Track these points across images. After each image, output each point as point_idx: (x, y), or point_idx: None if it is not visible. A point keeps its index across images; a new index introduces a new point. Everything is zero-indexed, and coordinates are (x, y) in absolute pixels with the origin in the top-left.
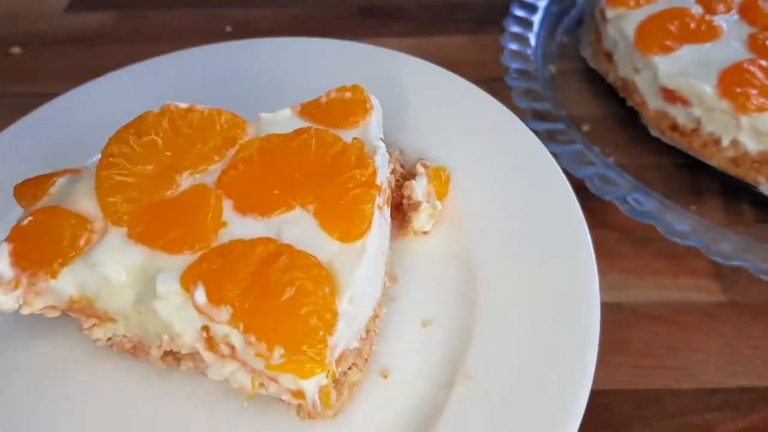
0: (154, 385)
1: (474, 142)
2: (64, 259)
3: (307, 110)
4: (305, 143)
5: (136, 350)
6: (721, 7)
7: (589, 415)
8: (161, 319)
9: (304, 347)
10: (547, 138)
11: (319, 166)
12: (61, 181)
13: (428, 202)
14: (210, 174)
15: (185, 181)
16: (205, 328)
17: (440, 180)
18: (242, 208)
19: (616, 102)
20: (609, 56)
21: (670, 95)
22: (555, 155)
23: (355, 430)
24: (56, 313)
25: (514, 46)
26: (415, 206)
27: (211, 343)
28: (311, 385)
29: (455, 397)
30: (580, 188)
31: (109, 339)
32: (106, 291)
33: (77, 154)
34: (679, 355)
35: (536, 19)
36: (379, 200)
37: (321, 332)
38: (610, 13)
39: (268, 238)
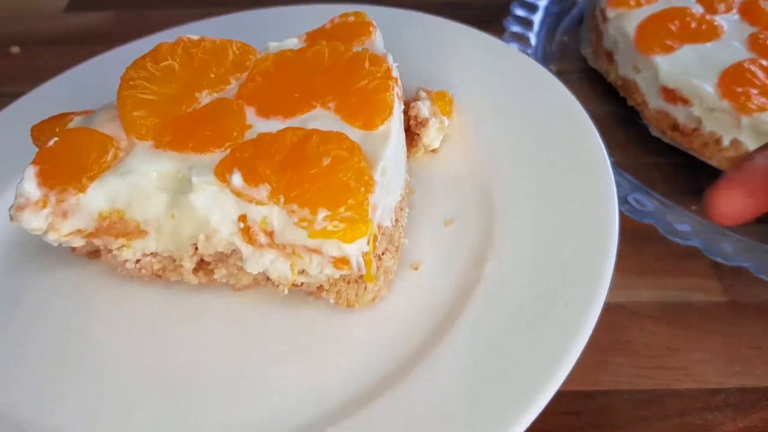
0: (185, 308)
1: (473, 70)
2: (92, 174)
3: (313, 37)
4: (318, 53)
5: (165, 271)
6: (721, 7)
7: (589, 416)
8: (197, 215)
9: (347, 202)
10: None
11: (334, 70)
12: (78, 118)
13: (435, 118)
14: (227, 92)
15: (204, 99)
16: (242, 218)
17: (444, 101)
18: (265, 112)
19: (616, 101)
20: (609, 56)
21: (671, 95)
22: None
23: (392, 317)
24: (81, 242)
25: (514, 46)
26: (423, 123)
27: (248, 233)
28: (355, 250)
29: (486, 273)
30: None
31: (137, 261)
32: (139, 198)
33: None
34: (679, 355)
35: (537, 18)
36: (397, 90)
37: (362, 189)
38: (611, 13)
39: (297, 127)
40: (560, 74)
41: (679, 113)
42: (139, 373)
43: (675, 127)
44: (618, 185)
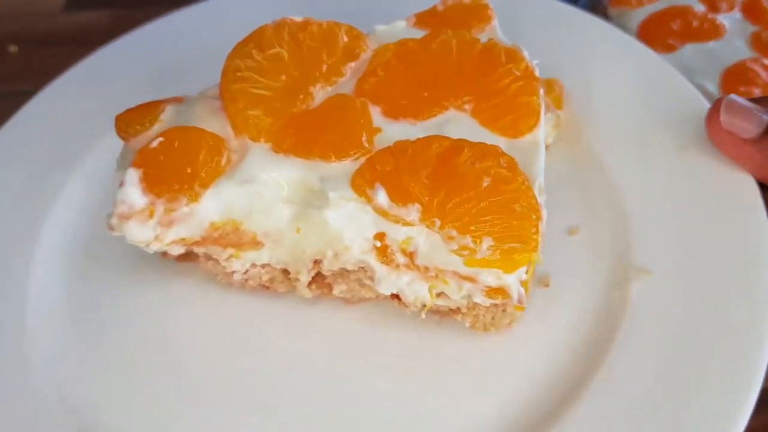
0: (292, 321)
1: (582, 54)
2: (205, 181)
3: (424, 19)
4: (445, 44)
5: (273, 282)
6: (723, 6)
7: None
8: (329, 232)
9: (517, 234)
10: None
11: (465, 65)
12: (170, 108)
13: (550, 112)
14: (341, 86)
15: (318, 93)
16: (380, 236)
17: (555, 91)
18: (393, 114)
19: None
20: None
21: None
22: None
23: (528, 342)
24: (180, 250)
25: None
26: None
27: (385, 252)
28: (515, 279)
29: (634, 294)
30: None
31: (245, 272)
32: (260, 209)
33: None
34: None
35: None
36: (542, 92)
37: (533, 216)
38: (613, 12)
39: (440, 136)
40: None
41: None
42: (241, 394)
43: None
44: None
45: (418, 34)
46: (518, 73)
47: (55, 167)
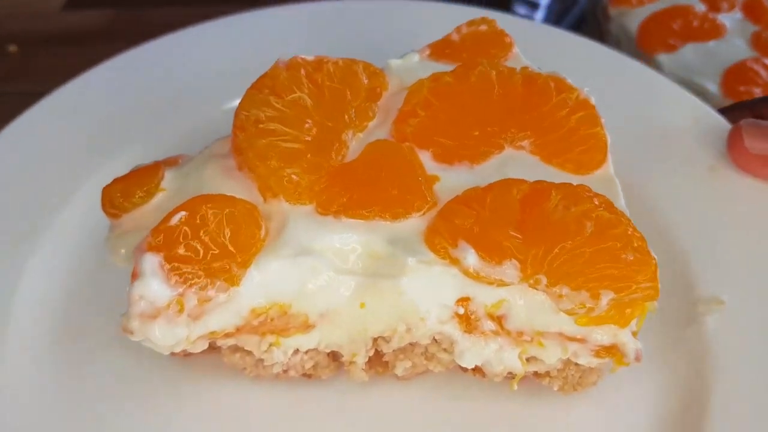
0: (348, 409)
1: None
2: (244, 259)
3: (439, 50)
4: (484, 76)
5: (317, 369)
6: (724, 5)
7: None
8: (403, 303)
9: (637, 280)
10: None
11: (511, 97)
12: (171, 173)
13: None
14: (374, 130)
15: (351, 141)
16: (463, 301)
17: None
18: (446, 158)
19: None
20: None
21: None
22: None
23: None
24: (203, 346)
25: None
26: None
27: (468, 320)
28: (628, 334)
29: (710, 326)
30: None
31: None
32: (315, 286)
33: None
34: None
35: (538, 17)
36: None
37: (653, 261)
38: (613, 11)
39: (516, 179)
40: None
41: None
42: None
43: None
44: None
45: (435, 66)
46: (573, 104)
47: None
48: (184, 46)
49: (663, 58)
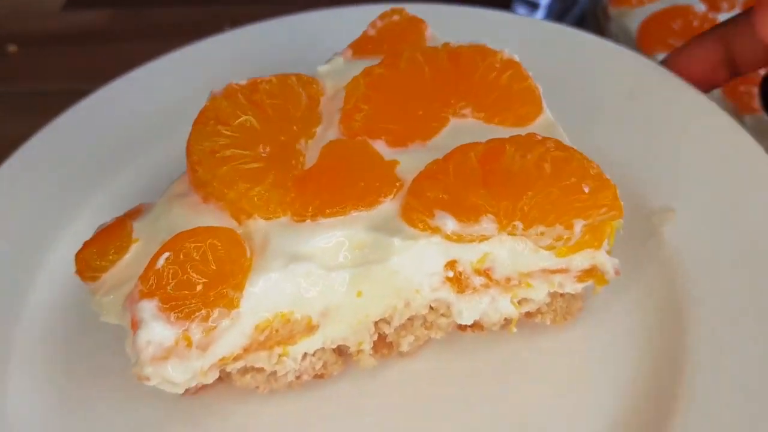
0: (367, 398)
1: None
2: (238, 282)
3: (360, 48)
4: (412, 60)
5: (327, 367)
6: (724, 5)
7: None
8: (397, 281)
9: (602, 200)
10: None
11: (442, 73)
12: (139, 223)
13: None
14: (324, 134)
15: (308, 149)
16: (451, 265)
17: None
18: (399, 142)
19: None
20: None
21: None
22: None
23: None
24: (215, 376)
25: None
26: None
27: (459, 280)
28: (603, 254)
29: (667, 237)
30: None
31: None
32: (312, 288)
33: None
34: None
35: (538, 17)
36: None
37: (609, 182)
38: (613, 11)
39: (468, 143)
40: None
41: None
42: None
43: None
44: None
45: (361, 63)
46: (499, 65)
47: None
48: (111, 101)
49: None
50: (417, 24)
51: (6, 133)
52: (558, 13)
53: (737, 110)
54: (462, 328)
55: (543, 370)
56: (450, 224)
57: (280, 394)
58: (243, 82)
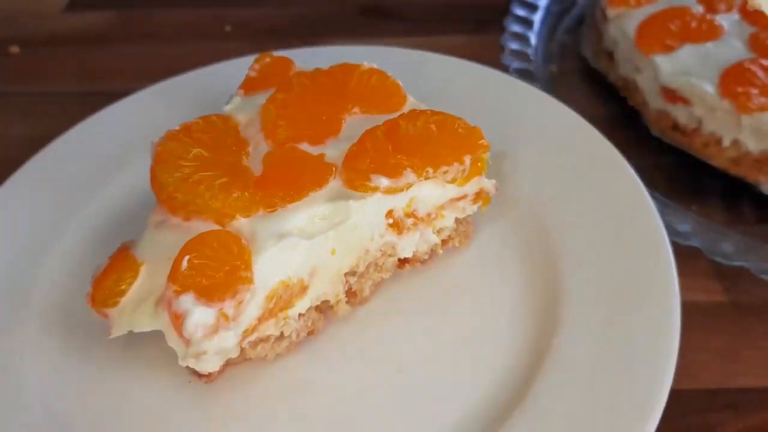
0: (349, 342)
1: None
2: (247, 263)
3: (249, 86)
4: (301, 84)
5: (315, 323)
6: (722, 7)
7: None
8: (357, 235)
9: (474, 141)
10: None
11: (327, 88)
12: (136, 253)
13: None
14: (257, 150)
15: (249, 163)
16: (389, 213)
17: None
18: (318, 140)
19: (617, 102)
20: (610, 56)
21: (671, 95)
22: None
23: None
24: (237, 351)
25: (514, 46)
26: None
27: (397, 224)
28: (484, 178)
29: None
30: None
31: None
32: (301, 254)
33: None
34: (680, 356)
35: (537, 18)
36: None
37: (474, 127)
38: (611, 13)
39: (372, 127)
40: (560, 74)
41: (679, 113)
42: None
43: (675, 127)
44: None
45: (257, 97)
46: (366, 73)
47: None
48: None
49: (661, 59)
50: (286, 62)
51: (7, 134)
52: (556, 15)
53: (735, 110)
54: (401, 264)
55: (458, 279)
56: (384, 182)
57: (281, 358)
58: (176, 128)
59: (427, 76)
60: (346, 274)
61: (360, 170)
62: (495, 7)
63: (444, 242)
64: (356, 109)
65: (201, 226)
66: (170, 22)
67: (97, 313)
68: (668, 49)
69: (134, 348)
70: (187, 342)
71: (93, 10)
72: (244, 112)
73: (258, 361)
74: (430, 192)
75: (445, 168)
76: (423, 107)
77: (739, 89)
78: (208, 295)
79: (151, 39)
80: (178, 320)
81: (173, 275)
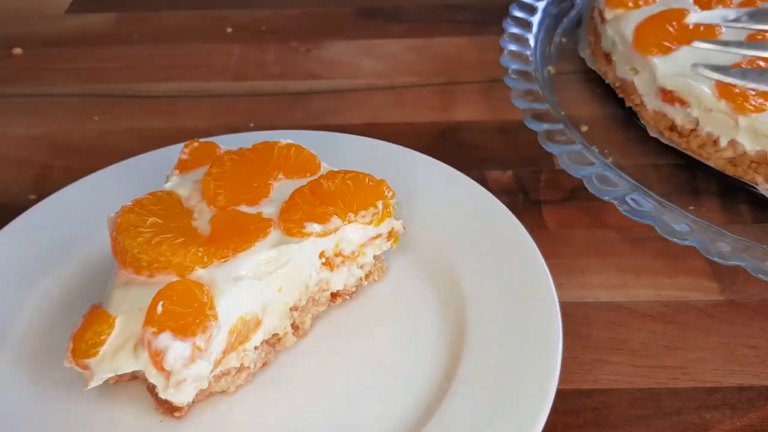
0: (297, 366)
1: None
2: (209, 305)
3: (183, 167)
4: (231, 160)
5: (267, 355)
6: (718, 8)
7: (587, 414)
8: (299, 274)
9: (383, 191)
10: (546, 138)
11: (253, 161)
12: (112, 310)
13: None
14: (200, 214)
15: (196, 225)
16: (321, 254)
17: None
18: (253, 202)
19: (614, 102)
20: (608, 57)
21: (669, 96)
22: (553, 156)
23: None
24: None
25: (513, 47)
26: None
27: (329, 262)
28: (393, 220)
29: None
30: (578, 188)
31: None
32: (255, 293)
33: None
34: (676, 354)
35: (535, 20)
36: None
37: (380, 180)
38: (609, 14)
39: (298, 188)
40: (559, 75)
41: (676, 114)
42: None
43: (673, 127)
44: (616, 185)
45: (192, 175)
46: (284, 148)
47: None
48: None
49: (658, 60)
50: (213, 146)
51: (9, 134)
52: (555, 17)
53: (732, 111)
54: (333, 298)
55: (379, 307)
56: (316, 227)
57: (239, 389)
58: (129, 203)
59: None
60: (290, 309)
61: (295, 220)
62: (494, 9)
63: (366, 276)
64: (281, 175)
65: (164, 279)
66: (172, 23)
67: (76, 365)
68: (666, 50)
69: (106, 398)
70: (168, 374)
71: (95, 11)
72: (182, 187)
73: (219, 395)
74: (353, 233)
75: (363, 212)
76: (333, 170)
77: (736, 90)
78: (183, 331)
79: (152, 40)
80: (158, 356)
81: (150, 320)
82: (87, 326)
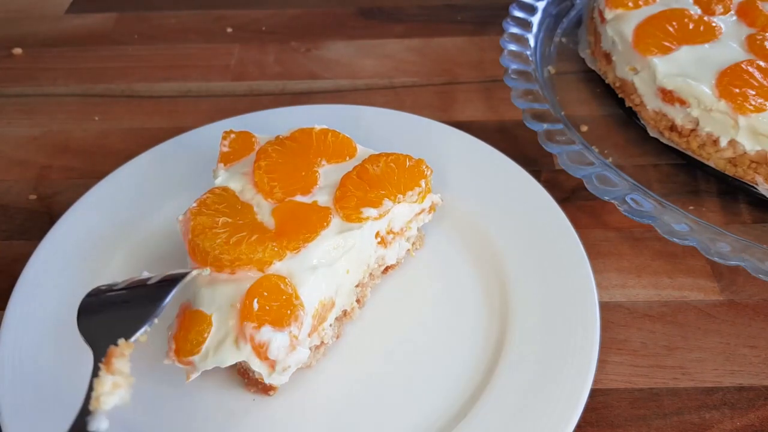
0: (360, 336)
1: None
2: (295, 295)
3: (227, 159)
4: (275, 150)
5: (338, 329)
6: (719, 8)
7: (587, 414)
8: (362, 255)
9: (423, 169)
10: (546, 138)
11: (295, 150)
12: (203, 309)
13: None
14: (260, 209)
15: (261, 218)
16: (377, 234)
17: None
18: (306, 191)
19: (614, 102)
20: (608, 57)
21: (669, 96)
22: (553, 156)
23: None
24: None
25: (513, 47)
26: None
27: (383, 241)
28: (433, 194)
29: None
30: (578, 188)
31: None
32: (328, 279)
33: None
34: (676, 354)
35: (535, 20)
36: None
37: (420, 159)
38: (609, 14)
39: (346, 173)
40: (558, 75)
41: (676, 114)
42: None
43: (673, 127)
44: (616, 185)
45: (237, 166)
46: (322, 134)
47: None
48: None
49: (658, 60)
50: (249, 135)
51: (10, 135)
52: (555, 17)
53: (732, 111)
54: (385, 270)
55: (424, 273)
56: (372, 212)
57: (318, 363)
58: (194, 205)
59: (360, 126)
60: (356, 286)
61: (352, 207)
62: (494, 9)
63: (408, 251)
64: (323, 161)
65: (247, 275)
66: (172, 23)
67: (179, 363)
68: (665, 50)
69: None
70: (273, 362)
71: (95, 11)
72: (233, 180)
73: (301, 370)
74: (401, 212)
75: (410, 192)
76: (372, 152)
77: (736, 90)
78: (279, 323)
79: (152, 40)
80: (261, 348)
81: (248, 315)
82: (188, 327)
